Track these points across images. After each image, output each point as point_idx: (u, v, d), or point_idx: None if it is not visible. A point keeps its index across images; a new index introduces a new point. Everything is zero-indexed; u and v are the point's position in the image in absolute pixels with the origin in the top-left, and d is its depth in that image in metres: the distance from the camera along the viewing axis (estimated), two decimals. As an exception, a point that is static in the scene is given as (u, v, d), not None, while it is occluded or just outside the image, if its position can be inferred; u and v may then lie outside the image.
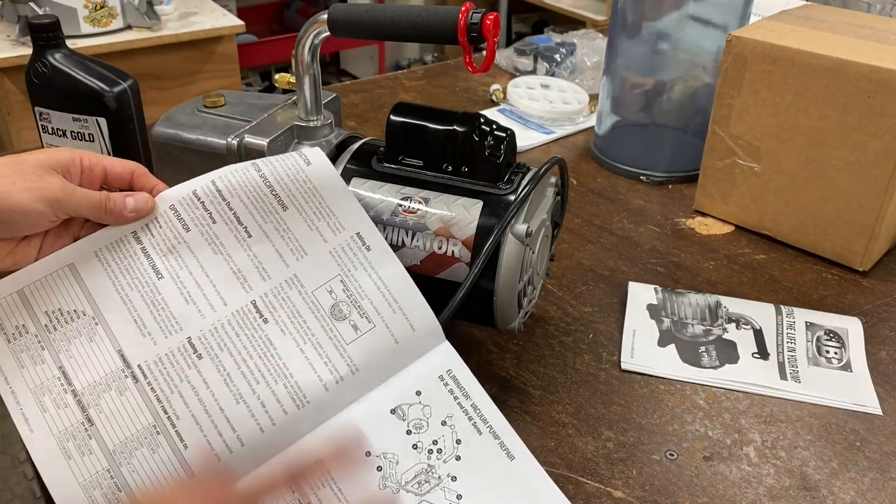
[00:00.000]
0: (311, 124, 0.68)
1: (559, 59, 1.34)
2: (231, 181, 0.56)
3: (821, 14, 0.91)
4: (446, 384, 0.56)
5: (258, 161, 0.57)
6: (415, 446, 0.54)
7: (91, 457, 0.50)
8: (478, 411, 0.56)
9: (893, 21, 0.89)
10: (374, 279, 0.57)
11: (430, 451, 0.54)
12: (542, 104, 1.19)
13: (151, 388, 0.51)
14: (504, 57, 1.39)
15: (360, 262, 0.57)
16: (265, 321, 0.54)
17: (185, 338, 0.52)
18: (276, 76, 0.75)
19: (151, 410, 0.51)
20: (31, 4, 1.75)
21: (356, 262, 0.57)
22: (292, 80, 0.70)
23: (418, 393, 0.56)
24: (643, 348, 0.73)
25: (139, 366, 0.52)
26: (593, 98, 1.21)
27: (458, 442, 0.54)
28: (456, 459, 0.54)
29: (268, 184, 0.56)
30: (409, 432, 0.54)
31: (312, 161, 0.57)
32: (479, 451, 0.54)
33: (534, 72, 1.35)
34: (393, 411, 0.55)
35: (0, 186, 0.48)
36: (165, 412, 0.51)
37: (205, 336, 0.53)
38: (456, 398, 0.56)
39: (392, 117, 0.65)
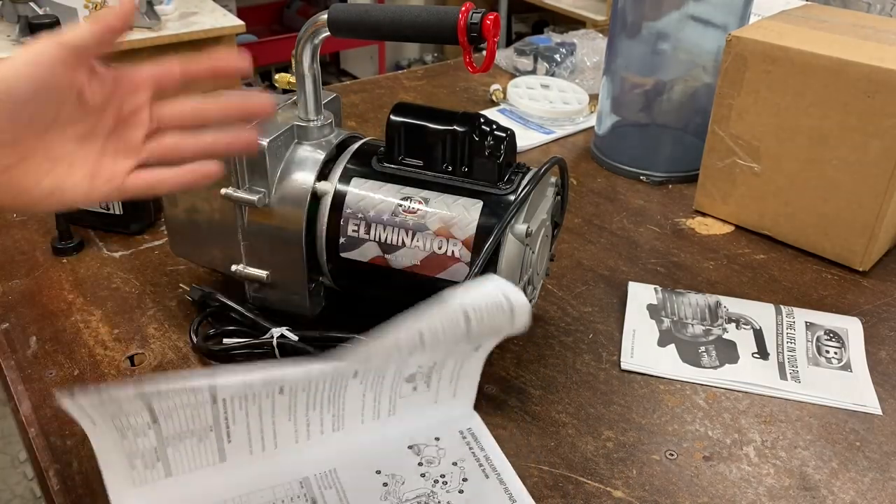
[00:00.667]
0: (311, 124, 0.68)
1: (559, 59, 1.34)
2: (436, 333, 0.53)
3: (821, 14, 0.91)
4: (464, 437, 0.61)
5: (468, 310, 0.53)
6: (423, 475, 0.57)
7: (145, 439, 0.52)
8: (489, 461, 0.59)
9: (893, 21, 0.89)
10: (457, 368, 0.60)
11: (436, 481, 0.57)
12: (542, 104, 1.19)
13: (224, 408, 0.53)
14: (504, 57, 1.39)
15: (461, 352, 0.59)
16: (354, 377, 0.56)
17: (279, 387, 0.54)
18: (276, 76, 0.75)
19: (215, 417, 0.53)
20: (32, 4, 1.75)
21: (455, 352, 0.59)
22: (292, 80, 0.70)
23: (437, 438, 0.60)
24: (643, 348, 0.73)
25: (224, 400, 0.52)
26: (593, 98, 1.21)
27: (465, 479, 0.57)
28: (459, 492, 0.56)
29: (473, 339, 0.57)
30: (420, 464, 0.58)
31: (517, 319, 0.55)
32: (483, 491, 0.57)
33: (534, 72, 1.35)
34: (410, 447, 0.59)
35: None
36: (226, 418, 0.53)
37: (295, 385, 0.54)
38: (471, 449, 0.60)
39: (392, 117, 0.65)
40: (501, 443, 0.62)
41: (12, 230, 0.88)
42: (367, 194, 0.64)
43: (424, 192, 0.63)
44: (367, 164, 0.66)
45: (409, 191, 0.63)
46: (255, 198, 0.64)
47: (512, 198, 0.62)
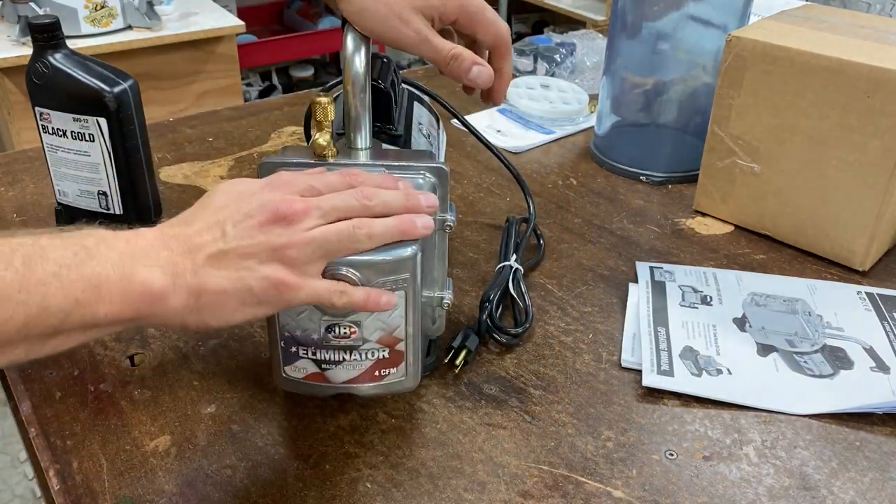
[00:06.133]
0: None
1: (559, 60, 1.34)
2: None
3: (821, 14, 0.91)
4: None
5: None
6: None
7: None
8: None
9: (893, 21, 0.89)
10: None
11: None
12: (542, 104, 1.19)
13: None
14: (504, 57, 1.39)
15: None
16: None
17: None
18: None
19: None
20: (32, 4, 1.75)
21: None
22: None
23: None
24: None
25: None
26: (593, 98, 1.21)
27: None
28: None
29: None
30: None
31: None
32: None
33: (534, 72, 1.35)
34: None
35: None
36: None
37: None
38: None
39: None
40: (501, 442, 0.62)
41: (12, 230, 0.88)
42: None
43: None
44: None
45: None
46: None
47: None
